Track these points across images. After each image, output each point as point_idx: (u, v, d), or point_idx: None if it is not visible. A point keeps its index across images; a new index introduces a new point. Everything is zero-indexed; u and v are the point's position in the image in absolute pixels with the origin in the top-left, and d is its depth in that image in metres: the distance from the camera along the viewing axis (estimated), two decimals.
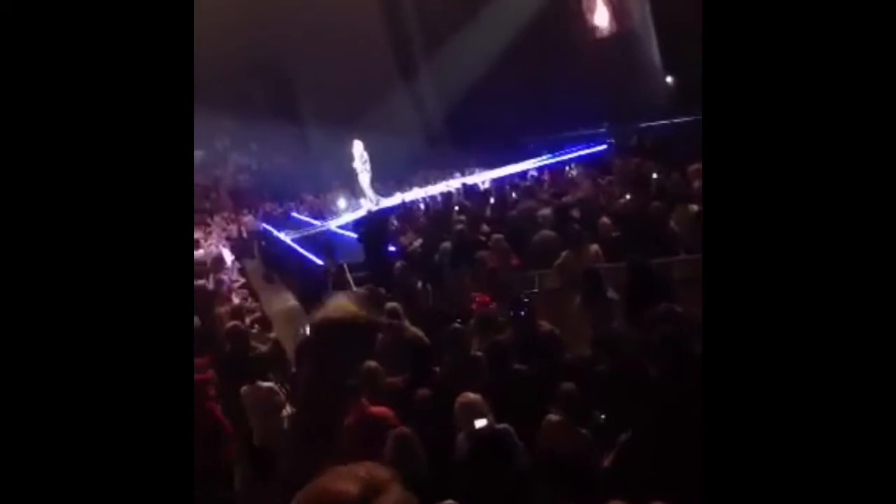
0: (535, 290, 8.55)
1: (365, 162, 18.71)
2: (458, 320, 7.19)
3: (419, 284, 9.89)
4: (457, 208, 13.85)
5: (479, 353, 6.38)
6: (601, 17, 22.43)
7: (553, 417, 5.11)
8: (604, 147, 18.07)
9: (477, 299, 7.38)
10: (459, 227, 11.33)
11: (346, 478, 1.13)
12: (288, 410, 6.66)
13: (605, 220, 9.30)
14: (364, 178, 18.87)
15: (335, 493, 1.11)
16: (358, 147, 18.61)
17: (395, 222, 14.31)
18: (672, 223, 8.84)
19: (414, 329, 7.37)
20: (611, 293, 7.17)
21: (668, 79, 19.66)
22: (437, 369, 6.44)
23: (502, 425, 4.96)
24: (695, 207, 8.81)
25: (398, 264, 10.36)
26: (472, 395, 5.01)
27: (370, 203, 17.59)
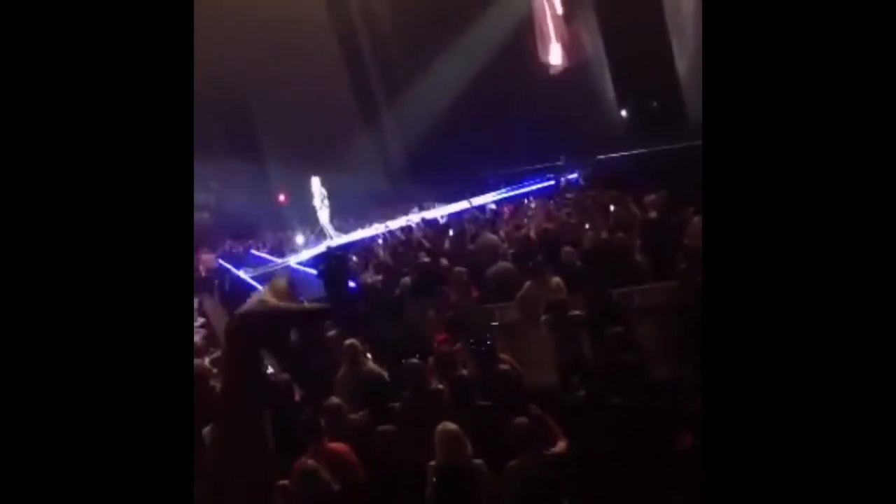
0: (496, 324, 8.56)
1: (324, 198, 18.67)
2: (418, 355, 7.16)
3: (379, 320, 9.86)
4: (417, 243, 13.85)
5: (440, 387, 6.34)
6: (555, 53, 22.77)
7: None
8: (561, 180, 18.26)
9: (437, 338, 7.38)
10: (422, 260, 11.33)
11: None
12: None
13: (567, 248, 9.32)
14: (323, 215, 18.84)
15: None
16: (316, 183, 18.57)
17: (355, 258, 14.28)
18: (636, 254, 8.90)
19: (372, 365, 7.34)
20: (576, 320, 7.21)
21: (622, 111, 19.96)
22: (397, 405, 6.38)
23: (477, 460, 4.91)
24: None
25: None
26: (451, 425, 4.96)
27: (329, 239, 17.53)
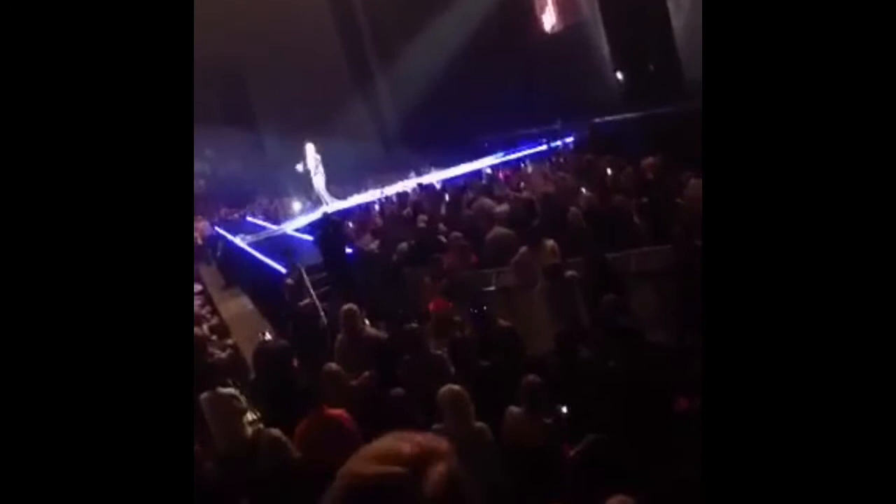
0: (493, 288, 8.57)
1: (318, 164, 18.53)
2: (415, 321, 7.19)
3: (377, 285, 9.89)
4: (413, 208, 13.82)
5: (440, 352, 6.37)
6: (550, 15, 22.57)
7: (514, 409, 5.11)
8: (557, 143, 18.17)
9: (433, 301, 7.39)
10: (421, 226, 11.30)
11: (404, 439, 1.14)
12: (250, 416, 6.58)
13: (574, 210, 9.26)
14: (319, 181, 18.70)
15: (389, 451, 1.12)
16: (310, 150, 18.43)
17: (352, 224, 14.25)
18: (635, 217, 8.87)
19: (372, 329, 7.36)
20: (572, 281, 7.22)
21: (618, 74, 19.83)
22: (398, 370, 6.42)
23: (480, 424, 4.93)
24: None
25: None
26: (455, 388, 4.98)
27: (325, 205, 17.44)
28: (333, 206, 17.44)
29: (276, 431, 5.51)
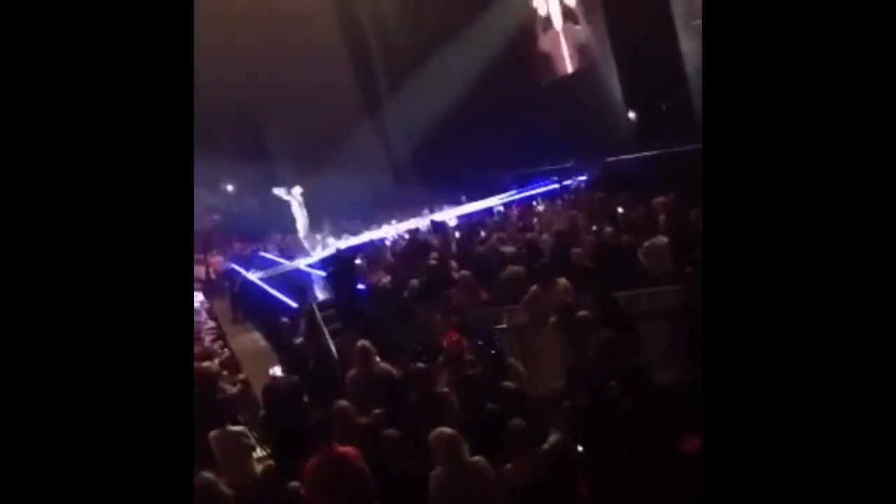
0: (504, 326, 8.58)
1: (302, 207, 18.56)
2: (424, 357, 7.20)
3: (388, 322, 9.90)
4: (425, 245, 13.87)
5: (445, 390, 6.36)
6: (563, 54, 22.75)
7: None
8: (569, 182, 18.23)
9: (446, 335, 7.38)
10: (432, 262, 11.35)
11: None
12: (258, 453, 6.59)
13: (577, 250, 9.34)
14: (301, 226, 18.76)
15: None
16: (296, 192, 18.48)
17: (363, 260, 14.30)
18: (640, 256, 8.96)
19: (384, 365, 7.37)
20: (583, 321, 7.22)
21: (630, 114, 19.93)
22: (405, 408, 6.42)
23: (476, 457, 4.92)
24: (664, 239, 8.94)
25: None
26: (447, 430, 4.98)
27: (310, 254, 17.35)
28: (345, 242, 17.46)
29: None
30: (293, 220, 20.19)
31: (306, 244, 18.38)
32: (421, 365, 6.72)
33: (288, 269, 16.25)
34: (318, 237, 20.52)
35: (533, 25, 22.84)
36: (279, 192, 18.53)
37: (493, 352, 6.89)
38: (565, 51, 22.46)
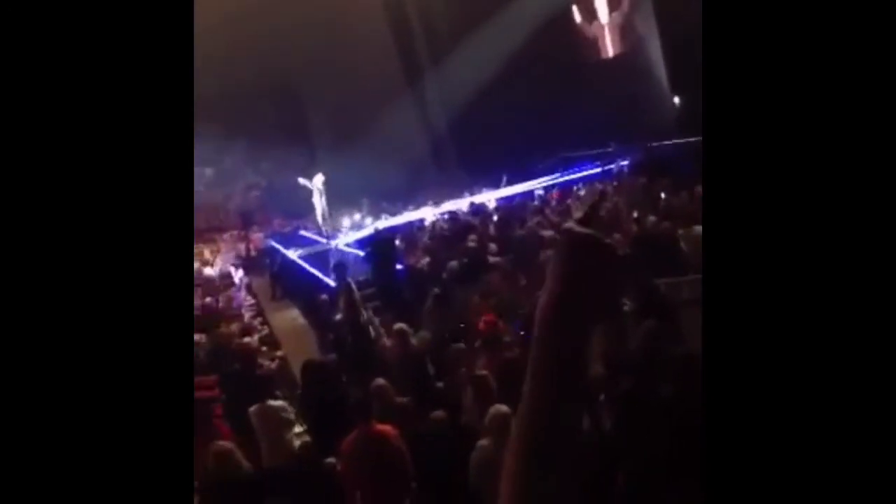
0: None
1: (322, 196, 18.50)
2: (463, 340, 7.20)
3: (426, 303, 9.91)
4: (464, 227, 13.85)
5: (485, 372, 6.37)
6: (608, 37, 22.53)
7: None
8: (611, 167, 18.08)
9: (483, 318, 7.38)
10: (471, 244, 11.33)
11: None
12: (297, 429, 6.64)
13: (617, 236, 9.27)
14: (318, 213, 18.75)
15: None
16: (318, 180, 18.44)
17: (402, 241, 14.32)
18: (682, 243, 8.87)
19: (421, 346, 7.39)
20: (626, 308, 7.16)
21: (676, 99, 19.70)
22: (441, 385, 6.43)
23: None
24: (700, 228, 8.84)
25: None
26: (503, 408, 4.99)
27: (326, 241, 17.35)
28: (385, 222, 17.49)
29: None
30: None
31: (324, 230, 18.36)
32: (460, 345, 6.74)
33: (327, 247, 16.35)
34: (357, 216, 20.59)
35: (576, 6, 22.63)
36: (304, 181, 18.56)
37: (529, 336, 6.87)
38: (611, 34, 22.22)
